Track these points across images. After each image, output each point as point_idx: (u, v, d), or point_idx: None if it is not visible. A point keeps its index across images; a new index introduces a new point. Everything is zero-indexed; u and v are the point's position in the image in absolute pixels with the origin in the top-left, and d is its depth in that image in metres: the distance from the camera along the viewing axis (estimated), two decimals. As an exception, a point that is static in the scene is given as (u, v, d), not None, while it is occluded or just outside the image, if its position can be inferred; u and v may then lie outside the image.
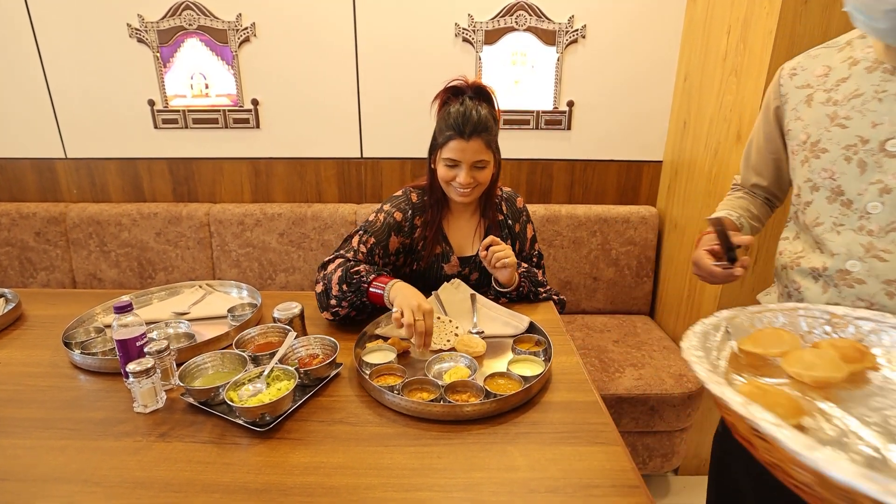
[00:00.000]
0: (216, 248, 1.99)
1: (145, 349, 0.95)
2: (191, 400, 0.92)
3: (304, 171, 2.00)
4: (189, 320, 1.26)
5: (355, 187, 2.02)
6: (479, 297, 1.26)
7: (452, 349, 1.10)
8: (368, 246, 1.24)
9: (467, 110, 1.14)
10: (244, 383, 0.91)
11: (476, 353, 1.05)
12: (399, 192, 1.34)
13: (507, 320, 1.20)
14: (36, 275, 2.09)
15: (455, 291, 1.25)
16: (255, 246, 1.97)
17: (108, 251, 2.03)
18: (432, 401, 0.87)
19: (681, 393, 1.50)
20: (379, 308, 1.17)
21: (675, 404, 1.51)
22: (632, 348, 1.71)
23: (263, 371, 0.93)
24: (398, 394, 0.88)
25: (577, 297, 2.00)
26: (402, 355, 1.08)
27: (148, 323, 1.21)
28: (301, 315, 1.12)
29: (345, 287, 1.13)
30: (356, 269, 1.15)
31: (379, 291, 1.11)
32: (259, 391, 0.89)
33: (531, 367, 0.98)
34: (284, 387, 0.89)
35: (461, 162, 1.17)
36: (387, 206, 1.30)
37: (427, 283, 1.29)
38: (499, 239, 1.22)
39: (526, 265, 1.35)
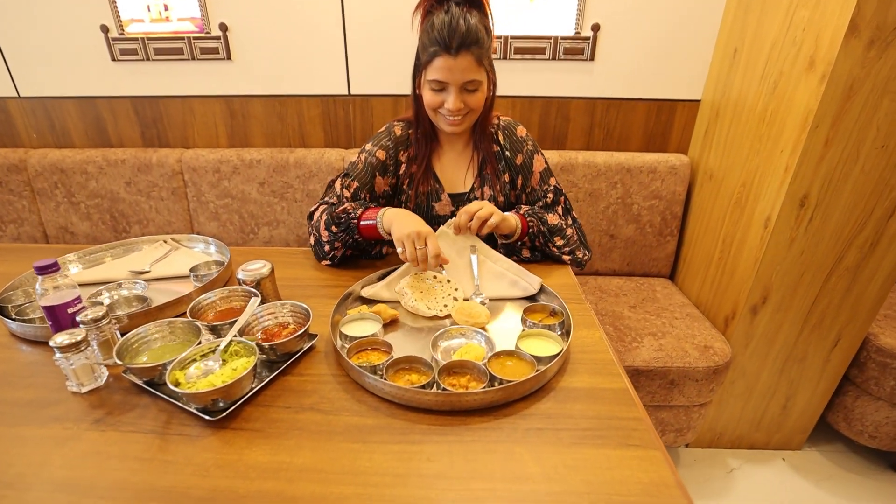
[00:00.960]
0: (192, 198, 1.80)
1: (78, 317, 0.78)
2: (134, 379, 0.76)
3: (285, 110, 1.77)
4: (148, 280, 1.09)
5: (342, 129, 1.79)
6: (482, 246, 1.08)
7: (448, 316, 0.93)
8: (352, 190, 1.15)
9: (453, 19, 0.97)
10: (195, 360, 0.75)
11: (478, 324, 0.88)
12: (382, 129, 1.20)
13: (514, 278, 1.03)
14: (4, 228, 1.92)
15: (454, 240, 1.07)
16: (233, 197, 1.77)
17: (76, 202, 1.85)
18: (423, 386, 0.70)
19: (706, 367, 1.34)
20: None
21: (698, 378, 1.36)
22: (651, 315, 1.54)
23: (219, 345, 0.76)
24: (381, 377, 0.72)
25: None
26: (389, 325, 0.92)
27: (100, 284, 1.05)
28: (271, 276, 0.95)
29: (333, 228, 1.08)
30: (341, 208, 1.09)
31: (371, 223, 1.04)
32: (211, 371, 0.72)
33: (545, 345, 0.81)
34: (242, 365, 0.72)
35: (449, 84, 1.01)
36: (368, 146, 1.19)
37: None
38: (469, 206, 1.03)
39: (528, 207, 1.16)
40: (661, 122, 1.73)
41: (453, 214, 1.19)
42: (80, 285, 1.07)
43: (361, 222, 1.05)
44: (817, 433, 1.67)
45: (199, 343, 0.77)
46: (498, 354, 0.77)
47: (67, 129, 1.86)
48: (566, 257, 1.15)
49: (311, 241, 1.15)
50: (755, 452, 1.65)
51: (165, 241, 1.28)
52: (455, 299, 0.96)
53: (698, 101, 1.69)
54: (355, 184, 1.15)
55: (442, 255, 0.95)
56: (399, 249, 0.97)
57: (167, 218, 1.84)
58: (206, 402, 0.69)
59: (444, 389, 0.69)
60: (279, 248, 1.29)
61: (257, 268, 0.94)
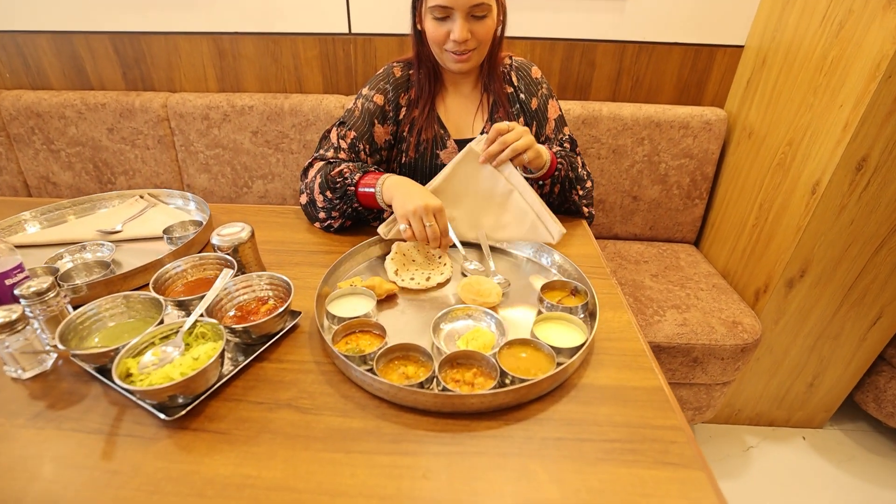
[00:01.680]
0: (180, 148, 1.66)
1: (17, 290, 0.67)
2: (83, 365, 0.66)
3: (279, 51, 1.58)
4: (118, 242, 0.98)
5: (343, 73, 1.61)
6: (512, 172, 0.91)
7: (440, 285, 0.82)
8: (349, 140, 1.02)
9: None
10: (153, 343, 0.63)
11: (487, 304, 0.76)
12: (381, 70, 1.06)
13: (536, 220, 0.90)
14: (-16, 177, 1.80)
15: (479, 168, 0.92)
16: (225, 147, 1.62)
17: (56, 150, 1.71)
18: (421, 384, 0.59)
19: (733, 344, 1.23)
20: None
21: (724, 357, 1.25)
22: (674, 285, 1.41)
23: (182, 327, 0.65)
24: (371, 370, 0.61)
25: (609, 220, 1.67)
26: (385, 301, 0.80)
27: (62, 245, 0.94)
28: (251, 241, 0.82)
29: (328, 194, 0.96)
30: (337, 170, 0.96)
31: (370, 191, 0.92)
32: (169, 359, 0.61)
33: (565, 331, 0.69)
34: (206, 353, 0.61)
35: (453, 9, 0.88)
36: (365, 90, 1.05)
37: (421, 179, 0.98)
38: (501, 128, 0.88)
39: (560, 147, 1.05)
40: (698, 71, 1.53)
41: None
42: (40, 247, 0.97)
43: (359, 189, 0.93)
44: (841, 412, 1.58)
45: (161, 322, 0.66)
46: (510, 344, 0.65)
47: (43, 69, 1.70)
48: (585, 210, 1.09)
49: (304, 200, 1.03)
50: (774, 430, 1.57)
51: (142, 197, 1.15)
52: (427, 279, 0.84)
53: (741, 46, 1.48)
54: (352, 133, 1.02)
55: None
56: (402, 226, 0.84)
57: (154, 169, 1.71)
58: (161, 399, 0.58)
59: (444, 389, 0.58)
60: (268, 207, 1.16)
61: (234, 232, 0.81)
